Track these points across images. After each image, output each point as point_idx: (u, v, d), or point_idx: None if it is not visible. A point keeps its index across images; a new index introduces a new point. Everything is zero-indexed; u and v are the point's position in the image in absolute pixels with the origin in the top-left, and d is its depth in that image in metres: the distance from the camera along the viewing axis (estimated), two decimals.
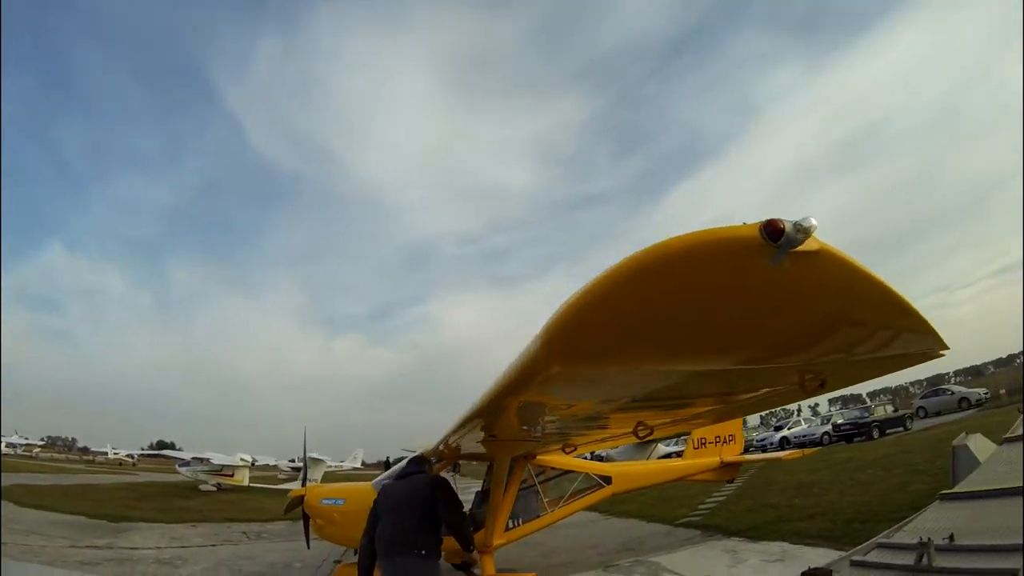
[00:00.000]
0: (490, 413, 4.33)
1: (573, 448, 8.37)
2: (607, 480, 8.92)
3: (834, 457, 18.73)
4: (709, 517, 12.42)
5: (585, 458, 9.99)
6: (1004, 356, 70.96)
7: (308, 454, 11.40)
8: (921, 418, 30.91)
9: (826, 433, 29.72)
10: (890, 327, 2.35)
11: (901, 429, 27.37)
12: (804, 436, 30.74)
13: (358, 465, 49.72)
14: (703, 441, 10.97)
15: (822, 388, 3.30)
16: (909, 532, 5.74)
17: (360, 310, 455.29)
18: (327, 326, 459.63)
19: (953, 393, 33.56)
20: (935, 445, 16.46)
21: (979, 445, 8.56)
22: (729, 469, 10.68)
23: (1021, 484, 5.78)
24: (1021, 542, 4.44)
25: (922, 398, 35.38)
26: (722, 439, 11.02)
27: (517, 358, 2.93)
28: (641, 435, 5.19)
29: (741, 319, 2.15)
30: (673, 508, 13.89)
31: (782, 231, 1.63)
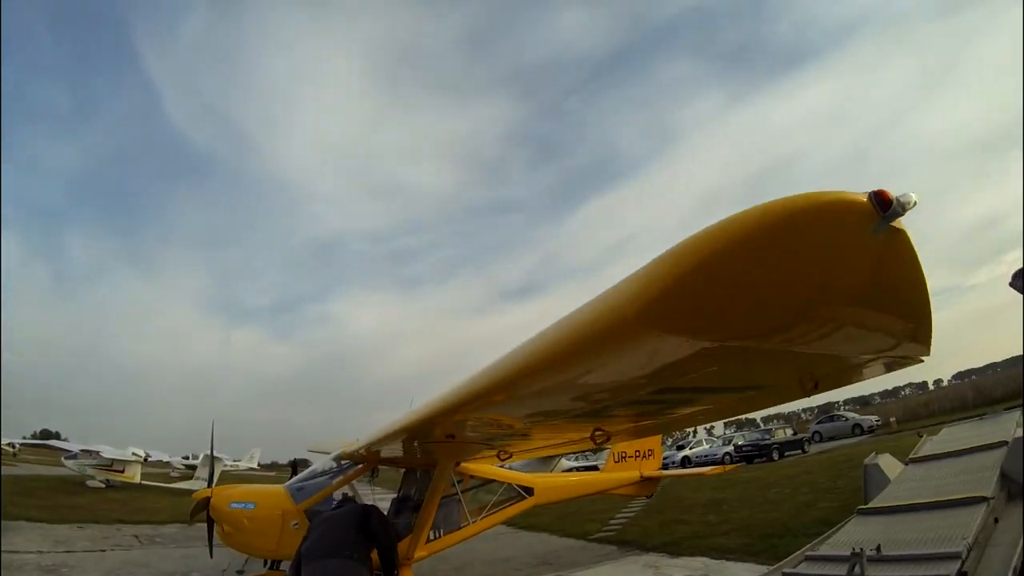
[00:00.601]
0: (496, 398, 3.58)
1: (508, 455, 8.14)
2: (529, 491, 8.76)
3: (739, 477, 19.40)
4: (623, 532, 12.43)
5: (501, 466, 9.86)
6: (890, 388, 78.35)
7: (207, 451, 10.69)
8: (816, 442, 32.73)
9: (727, 454, 30.81)
10: (911, 321, 2.26)
11: (799, 451, 28.84)
12: (705, 456, 31.77)
13: (254, 465, 47.33)
14: (623, 455, 11.00)
15: (815, 389, 3.16)
16: (834, 545, 5.98)
17: (264, 301, 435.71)
18: (228, 315, 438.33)
19: (847, 419, 35.88)
20: (834, 467, 17.41)
21: (887, 464, 9.22)
22: (649, 484, 10.76)
23: (932, 499, 6.51)
24: (945, 551, 4.81)
25: (818, 423, 37.51)
26: (642, 453, 11.11)
27: (566, 323, 2.48)
28: (598, 441, 5.00)
29: (829, 290, 2.00)
30: (583, 523, 13.84)
31: (890, 202, 1.60)
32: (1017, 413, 11.01)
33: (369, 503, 6.40)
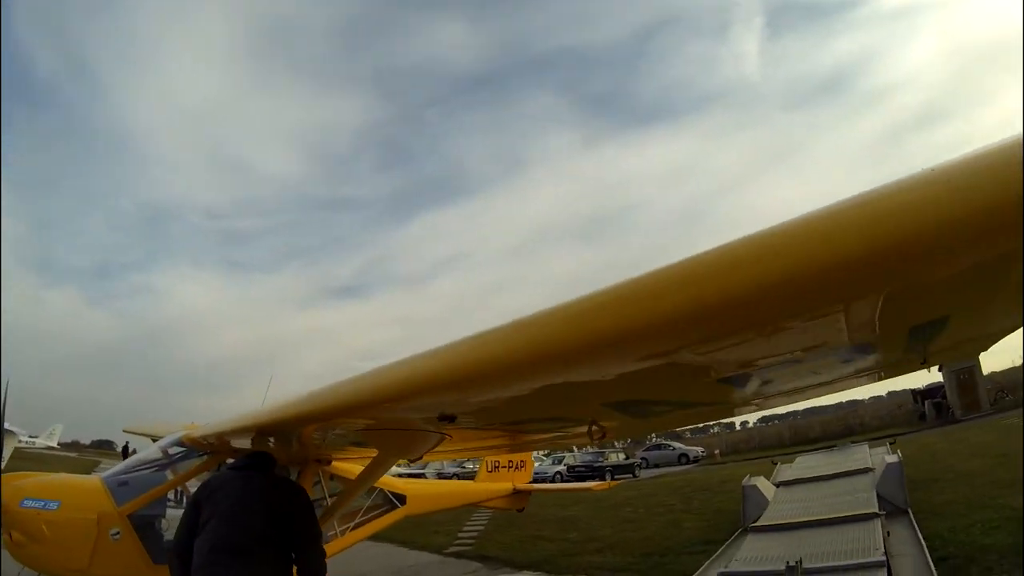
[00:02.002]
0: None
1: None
2: (401, 499, 7.74)
3: (580, 496, 19.49)
4: (480, 547, 11.65)
5: None
6: (700, 426, 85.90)
7: None
8: (643, 468, 34.44)
9: (559, 473, 31.33)
10: None
11: (631, 476, 30.07)
12: (536, 474, 32.11)
13: (54, 444, 40.69)
14: (497, 465, 10.32)
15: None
16: (746, 561, 6.29)
17: (83, 262, 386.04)
18: (42, 271, 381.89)
19: (674, 449, 38.35)
20: (677, 490, 18.01)
21: (763, 485, 9.71)
22: (520, 497, 10.16)
23: (828, 516, 7.29)
24: (870, 561, 5.39)
25: (645, 450, 39.62)
26: (515, 465, 10.52)
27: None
28: (597, 436, 4.29)
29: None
30: (428, 535, 12.85)
31: None
32: (865, 446, 12.66)
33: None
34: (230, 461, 4.99)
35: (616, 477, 29.15)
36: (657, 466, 35.43)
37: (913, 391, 33.41)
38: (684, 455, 37.03)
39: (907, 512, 7.76)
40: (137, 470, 5.86)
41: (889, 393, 43.46)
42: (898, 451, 10.30)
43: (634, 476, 30.00)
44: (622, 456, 32.89)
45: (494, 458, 10.26)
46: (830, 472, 10.08)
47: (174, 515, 5.17)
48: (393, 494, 7.70)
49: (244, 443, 5.02)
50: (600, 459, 31.53)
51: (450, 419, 3.10)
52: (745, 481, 9.62)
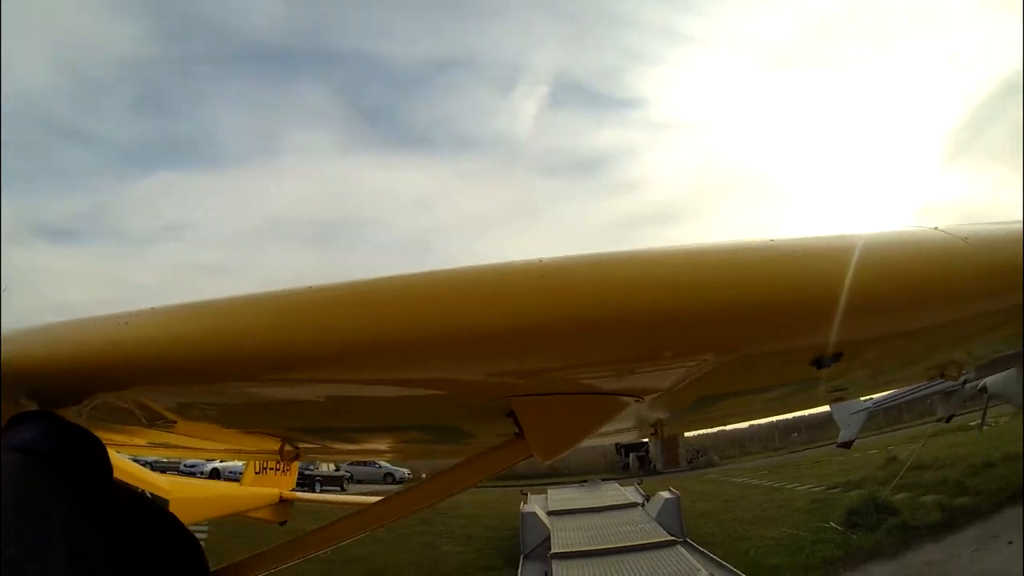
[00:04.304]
0: None
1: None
2: (164, 503, 6.20)
3: (297, 508, 17.99)
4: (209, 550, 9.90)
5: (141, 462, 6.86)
6: None
7: None
8: (351, 482, 33.50)
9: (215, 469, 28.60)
10: None
11: (339, 488, 28.90)
12: (236, 471, 29.13)
13: None
14: (265, 466, 8.79)
15: None
16: None
17: None
18: None
19: (380, 467, 37.74)
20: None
21: (540, 513, 9.85)
22: (285, 507, 8.78)
23: (632, 543, 7.96)
24: None
25: (351, 464, 38.48)
26: (281, 469, 9.08)
27: None
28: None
29: None
30: None
31: None
32: (615, 483, 14.02)
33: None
34: None
35: (325, 489, 27.75)
36: (361, 482, 34.63)
37: (617, 444, 38.26)
38: (390, 474, 36.79)
39: (687, 541, 8.57)
40: None
41: (590, 446, 49.24)
42: (670, 487, 11.45)
43: (342, 489, 28.90)
44: (332, 467, 31.46)
45: (264, 457, 8.78)
46: (600, 504, 10.86)
47: None
48: (155, 495, 6.10)
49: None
50: (311, 467, 29.72)
51: None
52: (523, 508, 9.81)
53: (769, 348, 1.39)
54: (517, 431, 1.69)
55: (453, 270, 1.23)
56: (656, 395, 1.66)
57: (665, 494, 10.47)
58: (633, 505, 10.69)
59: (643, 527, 8.85)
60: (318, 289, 1.34)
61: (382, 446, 3.73)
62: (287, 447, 3.66)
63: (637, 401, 1.59)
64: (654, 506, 10.21)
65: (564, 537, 8.74)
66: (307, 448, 3.77)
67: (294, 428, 2.74)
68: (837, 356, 1.39)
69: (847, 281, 1.09)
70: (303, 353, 1.29)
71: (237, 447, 3.96)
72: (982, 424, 13.54)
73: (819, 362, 1.39)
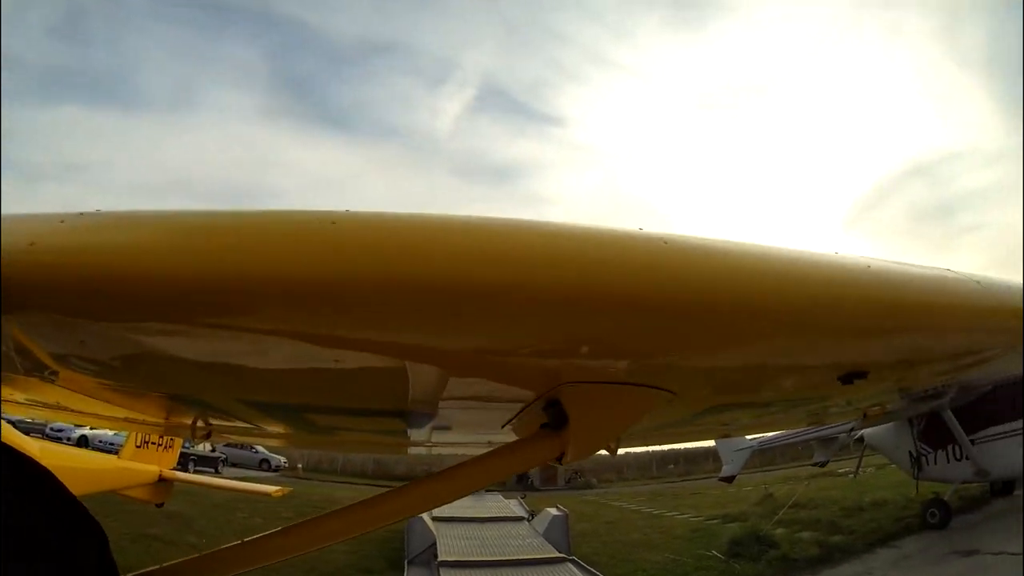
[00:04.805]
0: None
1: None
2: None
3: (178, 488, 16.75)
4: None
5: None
6: None
7: None
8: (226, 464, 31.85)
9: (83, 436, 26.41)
10: None
11: (213, 471, 27.41)
12: (107, 440, 26.78)
13: None
14: (147, 440, 7.99)
15: None
16: None
17: None
18: None
19: (257, 452, 35.92)
20: (284, 501, 16.73)
21: (427, 519, 9.66)
22: (165, 488, 8.13)
23: (523, 557, 8.06)
24: None
25: (227, 445, 36.46)
26: (164, 444, 8.40)
27: None
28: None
29: None
30: None
31: None
32: (499, 495, 14.08)
33: None
34: None
35: (198, 469, 26.13)
36: (235, 465, 32.97)
37: None
38: (266, 461, 35.24)
39: (574, 559, 8.67)
40: None
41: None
42: (558, 505, 11.57)
43: (216, 471, 27.36)
44: (208, 447, 29.73)
45: (146, 431, 8.08)
46: (485, 515, 10.84)
47: None
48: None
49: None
50: (186, 444, 27.92)
51: None
52: None
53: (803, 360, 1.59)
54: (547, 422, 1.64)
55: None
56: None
57: (553, 511, 10.60)
58: (519, 519, 10.77)
59: (531, 542, 8.92)
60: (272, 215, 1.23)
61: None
62: (199, 423, 3.40)
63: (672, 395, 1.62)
64: (541, 522, 10.30)
65: (451, 545, 8.68)
66: (223, 427, 3.44)
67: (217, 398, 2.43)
68: (863, 374, 1.54)
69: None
70: (237, 287, 1.08)
71: (140, 415, 3.54)
72: (856, 471, 14.88)
73: (848, 377, 1.54)
